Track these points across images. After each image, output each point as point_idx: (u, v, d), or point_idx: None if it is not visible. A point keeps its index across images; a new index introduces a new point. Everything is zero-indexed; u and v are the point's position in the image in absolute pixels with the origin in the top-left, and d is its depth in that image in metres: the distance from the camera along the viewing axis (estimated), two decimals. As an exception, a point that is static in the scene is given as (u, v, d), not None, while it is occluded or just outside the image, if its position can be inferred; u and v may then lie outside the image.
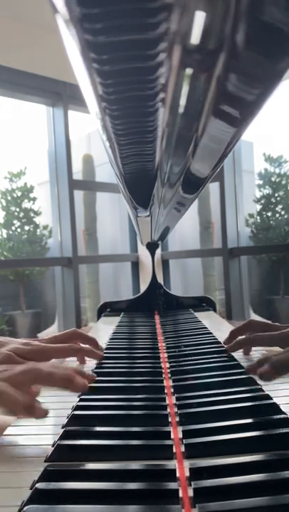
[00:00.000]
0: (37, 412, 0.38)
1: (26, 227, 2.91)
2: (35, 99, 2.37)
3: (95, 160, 2.87)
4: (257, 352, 0.63)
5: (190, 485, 0.27)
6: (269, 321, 0.65)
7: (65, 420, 0.38)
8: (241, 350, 0.62)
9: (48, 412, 0.38)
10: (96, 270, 2.96)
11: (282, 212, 2.88)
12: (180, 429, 0.35)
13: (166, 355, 0.63)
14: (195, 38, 0.15)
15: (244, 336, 0.63)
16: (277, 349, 0.58)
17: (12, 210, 2.88)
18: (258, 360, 0.48)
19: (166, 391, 0.46)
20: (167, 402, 0.42)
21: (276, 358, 0.46)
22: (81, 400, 0.43)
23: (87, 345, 0.60)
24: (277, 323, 0.63)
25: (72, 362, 0.62)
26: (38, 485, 0.27)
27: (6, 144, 3.04)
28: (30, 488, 0.27)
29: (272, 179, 2.88)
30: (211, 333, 0.76)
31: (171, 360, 0.58)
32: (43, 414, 0.38)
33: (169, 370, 0.53)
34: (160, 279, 1.22)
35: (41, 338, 0.60)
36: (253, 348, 0.63)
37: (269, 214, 2.89)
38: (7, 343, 0.55)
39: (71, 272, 2.37)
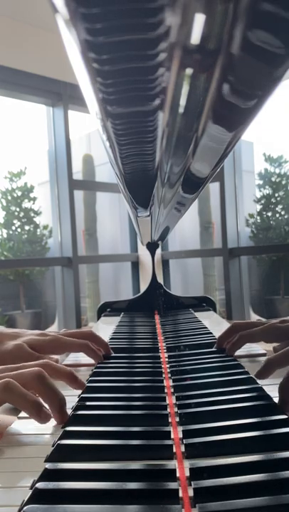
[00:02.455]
0: (43, 413, 0.37)
1: (26, 227, 2.92)
2: (35, 99, 2.37)
3: (95, 160, 2.87)
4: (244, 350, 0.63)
5: (190, 485, 0.27)
6: (251, 320, 0.65)
7: (65, 420, 0.38)
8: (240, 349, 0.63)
9: (51, 417, 0.38)
10: (96, 270, 2.96)
11: (282, 213, 2.88)
12: (180, 429, 0.35)
13: (166, 355, 0.63)
14: (195, 38, 0.15)
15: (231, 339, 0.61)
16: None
17: (12, 210, 2.88)
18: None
19: (166, 391, 0.46)
20: (167, 402, 0.42)
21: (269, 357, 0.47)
22: (81, 400, 0.43)
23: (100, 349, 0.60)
24: (260, 320, 0.64)
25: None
26: (38, 485, 0.27)
27: (6, 144, 3.04)
28: (30, 488, 0.27)
29: (273, 179, 2.89)
30: (211, 333, 0.77)
31: (171, 360, 0.58)
32: (48, 417, 0.38)
33: (169, 370, 0.53)
34: (160, 279, 1.22)
35: (57, 331, 0.60)
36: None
37: (269, 214, 2.89)
38: (22, 334, 0.57)
39: (71, 271, 2.37)
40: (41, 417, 0.37)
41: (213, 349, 0.63)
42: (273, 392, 0.42)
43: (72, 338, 0.57)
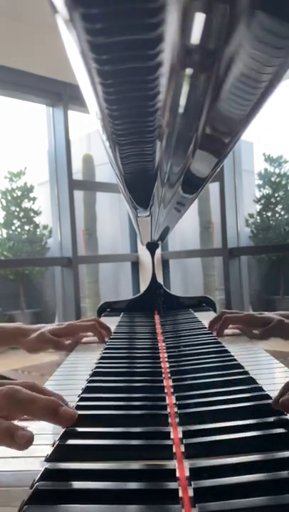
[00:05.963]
0: (19, 439, 0.30)
1: (26, 227, 2.92)
2: (35, 99, 2.37)
3: (95, 160, 2.87)
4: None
5: (190, 485, 0.27)
6: (237, 310, 0.82)
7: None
8: (242, 351, 0.63)
9: (32, 439, 0.31)
10: (96, 270, 2.96)
11: (282, 212, 2.88)
12: (180, 429, 0.35)
13: (166, 355, 0.63)
14: (195, 38, 0.15)
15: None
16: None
17: (12, 210, 2.88)
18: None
19: (166, 391, 0.46)
20: (167, 402, 0.42)
21: None
22: (81, 400, 0.43)
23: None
24: (249, 312, 0.80)
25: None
26: (38, 485, 0.27)
27: (6, 144, 3.04)
28: (30, 488, 0.27)
29: (272, 179, 2.89)
30: (210, 333, 0.77)
31: (171, 360, 0.58)
32: (27, 441, 0.31)
33: (168, 370, 0.53)
34: (160, 279, 1.22)
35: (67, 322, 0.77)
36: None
37: (269, 214, 2.89)
38: (43, 327, 0.73)
39: (71, 271, 2.37)
40: (17, 442, 0.31)
41: (213, 349, 0.63)
42: (274, 392, 0.42)
43: (83, 323, 0.77)
